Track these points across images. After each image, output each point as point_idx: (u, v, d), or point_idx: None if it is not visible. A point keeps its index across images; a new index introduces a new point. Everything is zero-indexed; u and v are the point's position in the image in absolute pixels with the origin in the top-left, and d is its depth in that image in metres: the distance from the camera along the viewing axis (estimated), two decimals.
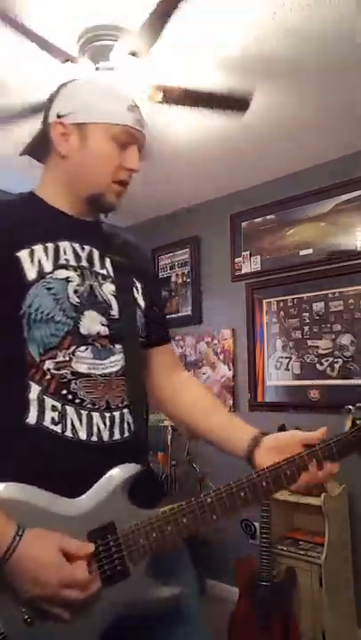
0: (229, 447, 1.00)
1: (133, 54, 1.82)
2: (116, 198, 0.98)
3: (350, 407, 0.98)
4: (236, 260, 3.27)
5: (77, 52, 1.88)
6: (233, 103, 2.02)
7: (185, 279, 3.57)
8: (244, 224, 3.26)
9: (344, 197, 2.78)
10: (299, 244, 2.96)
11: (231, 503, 0.86)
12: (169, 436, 3.04)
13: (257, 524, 2.73)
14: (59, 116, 0.94)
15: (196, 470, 3.00)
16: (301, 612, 2.26)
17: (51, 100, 0.97)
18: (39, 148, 1.00)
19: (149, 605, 0.83)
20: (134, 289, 1.01)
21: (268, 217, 3.13)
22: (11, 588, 0.75)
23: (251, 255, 3.20)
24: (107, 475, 0.83)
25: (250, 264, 3.19)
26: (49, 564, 0.74)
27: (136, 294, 1.01)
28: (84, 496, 0.82)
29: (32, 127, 2.10)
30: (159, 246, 3.65)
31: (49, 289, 0.87)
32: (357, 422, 0.96)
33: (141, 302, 1.01)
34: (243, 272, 3.22)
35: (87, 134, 0.93)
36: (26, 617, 0.76)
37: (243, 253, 3.24)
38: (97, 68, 1.88)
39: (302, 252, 2.94)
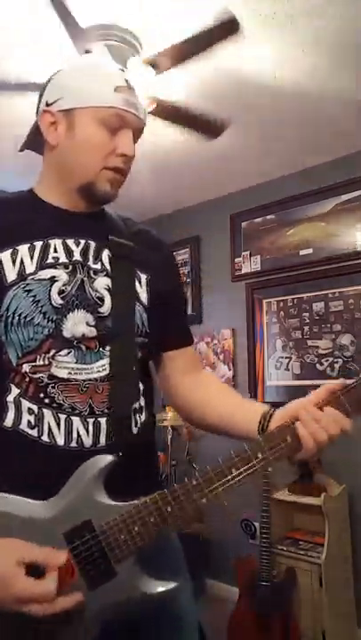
0: (243, 431, 0.91)
1: (153, 66, 1.85)
2: (110, 187, 0.91)
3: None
4: (236, 259, 3.27)
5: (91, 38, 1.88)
6: (210, 129, 2.15)
7: (185, 279, 3.57)
8: (244, 224, 3.26)
9: (344, 197, 2.78)
10: (299, 244, 2.96)
11: (222, 483, 0.79)
12: (169, 436, 3.04)
13: (257, 524, 2.73)
14: (47, 105, 0.90)
15: (196, 470, 3.00)
16: (301, 612, 2.26)
17: (42, 89, 0.93)
18: (36, 141, 0.95)
19: (141, 604, 0.78)
20: (136, 281, 0.94)
21: (268, 217, 3.13)
22: None
23: (251, 255, 3.20)
24: (78, 470, 0.78)
25: (250, 264, 3.19)
26: (1, 579, 0.69)
27: (138, 287, 0.93)
28: (56, 496, 0.77)
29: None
30: None
31: (28, 291, 0.84)
32: None
33: (144, 296, 0.94)
34: (243, 272, 3.22)
35: (74, 120, 0.88)
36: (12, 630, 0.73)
37: (243, 253, 3.24)
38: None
39: (302, 252, 2.94)
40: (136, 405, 0.91)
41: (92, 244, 0.92)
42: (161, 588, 0.78)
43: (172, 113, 2.11)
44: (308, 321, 2.88)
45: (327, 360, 2.77)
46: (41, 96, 0.93)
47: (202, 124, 2.11)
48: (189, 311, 3.47)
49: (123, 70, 0.92)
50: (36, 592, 0.69)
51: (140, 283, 0.94)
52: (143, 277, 0.95)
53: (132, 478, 0.85)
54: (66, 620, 0.73)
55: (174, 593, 0.79)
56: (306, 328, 2.89)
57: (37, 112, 0.93)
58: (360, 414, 0.85)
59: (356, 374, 2.64)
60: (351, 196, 2.76)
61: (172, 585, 0.78)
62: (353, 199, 2.75)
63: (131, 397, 0.89)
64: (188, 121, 2.09)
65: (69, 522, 0.76)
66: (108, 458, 0.79)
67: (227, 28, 1.70)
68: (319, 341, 2.82)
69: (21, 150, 0.99)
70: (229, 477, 0.79)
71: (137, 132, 0.92)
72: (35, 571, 0.71)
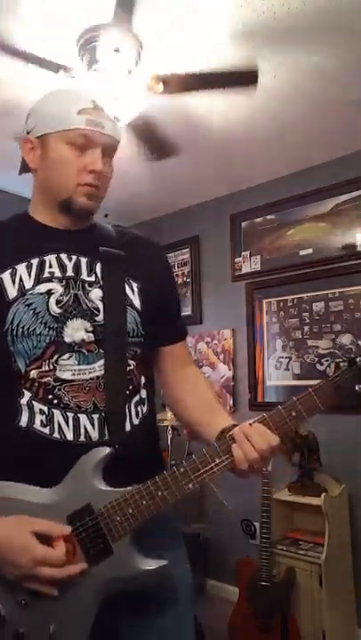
0: (209, 439, 0.99)
1: (116, 50, 1.82)
2: (87, 200, 0.99)
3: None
4: (236, 260, 3.27)
5: (78, 57, 1.89)
6: (241, 78, 1.92)
7: (185, 279, 3.57)
8: (244, 224, 3.26)
9: (344, 197, 2.78)
10: (299, 244, 2.96)
11: (207, 470, 0.89)
12: (169, 436, 3.03)
13: (257, 524, 2.74)
14: (27, 133, 1.00)
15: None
16: (301, 612, 2.26)
17: (26, 119, 1.02)
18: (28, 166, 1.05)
19: (138, 580, 0.87)
20: (129, 290, 1.01)
21: (268, 217, 3.13)
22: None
23: (251, 255, 3.20)
24: (79, 461, 0.88)
25: (250, 264, 3.19)
26: (19, 545, 0.82)
27: (131, 295, 1.01)
28: (60, 484, 0.88)
29: None
30: None
31: (28, 305, 0.93)
32: (341, 366, 0.96)
33: (137, 302, 1.01)
34: (243, 272, 3.22)
35: (47, 144, 0.97)
36: (20, 599, 0.84)
37: (243, 253, 3.24)
38: (94, 69, 1.88)
39: (302, 252, 2.94)
40: (137, 398, 0.99)
41: (84, 259, 1.00)
42: (154, 565, 0.86)
43: (185, 82, 1.96)
44: (308, 321, 2.88)
45: (327, 360, 2.77)
46: (25, 126, 1.02)
47: (228, 78, 1.90)
48: (189, 311, 3.48)
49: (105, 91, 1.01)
50: (49, 555, 0.82)
51: (132, 290, 1.02)
52: (135, 285, 1.03)
53: (134, 466, 0.92)
54: (70, 590, 0.84)
55: (169, 568, 0.87)
56: (306, 328, 2.89)
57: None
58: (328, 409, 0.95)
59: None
60: (351, 196, 2.76)
61: (163, 562, 0.87)
62: (353, 199, 2.75)
63: (125, 393, 0.96)
64: (209, 82, 1.90)
65: (72, 506, 0.87)
66: (106, 449, 0.89)
67: (246, 78, 1.69)
68: (319, 341, 2.82)
69: (20, 174, 1.10)
70: (212, 465, 0.89)
71: (108, 148, 0.99)
72: (43, 541, 0.83)
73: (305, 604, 2.26)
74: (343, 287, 2.75)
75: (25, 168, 1.04)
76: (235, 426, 0.95)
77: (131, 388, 0.98)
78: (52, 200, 1.00)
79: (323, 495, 2.30)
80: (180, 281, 3.58)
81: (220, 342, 3.30)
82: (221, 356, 3.28)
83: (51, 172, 0.98)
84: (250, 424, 0.91)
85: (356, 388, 0.95)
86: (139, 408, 0.99)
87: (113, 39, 1.81)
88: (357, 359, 0.95)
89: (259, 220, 3.17)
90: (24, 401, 0.92)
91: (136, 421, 0.97)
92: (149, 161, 2.29)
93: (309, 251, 2.91)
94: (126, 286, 1.01)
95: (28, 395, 0.92)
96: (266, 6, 1.71)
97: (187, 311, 3.50)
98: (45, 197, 1.01)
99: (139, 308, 1.01)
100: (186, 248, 3.56)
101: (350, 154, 2.77)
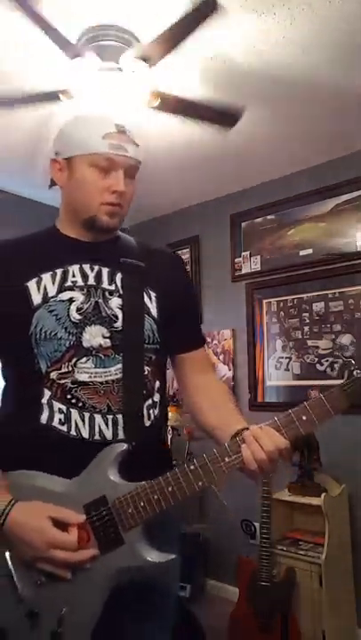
0: (222, 442, 1.01)
1: (145, 60, 1.85)
2: (109, 218, 1.06)
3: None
4: (236, 260, 3.27)
5: (80, 44, 1.87)
6: (223, 118, 2.08)
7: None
8: (244, 224, 3.26)
9: (344, 197, 2.78)
10: (299, 244, 2.96)
11: (216, 468, 0.93)
12: (169, 436, 3.04)
13: (257, 524, 2.74)
14: (56, 154, 1.08)
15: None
16: (301, 612, 2.26)
17: (54, 141, 1.11)
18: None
19: (145, 571, 0.92)
20: (147, 299, 1.08)
21: (268, 217, 3.13)
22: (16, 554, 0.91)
23: (251, 255, 3.20)
24: (97, 456, 0.96)
25: (250, 264, 3.19)
26: (35, 527, 0.90)
27: (149, 304, 1.08)
28: (79, 476, 0.95)
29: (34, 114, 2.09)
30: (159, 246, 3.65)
31: (51, 311, 1.01)
32: (355, 373, 0.96)
33: (154, 311, 1.08)
34: (243, 272, 3.22)
35: (73, 166, 1.05)
36: (37, 579, 0.92)
37: (243, 253, 3.24)
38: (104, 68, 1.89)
39: (302, 252, 2.94)
40: (150, 402, 1.06)
41: (105, 270, 1.08)
42: (162, 558, 0.92)
43: (179, 106, 2.07)
44: (308, 321, 2.88)
45: (327, 360, 2.77)
46: (52, 147, 1.11)
47: (214, 115, 2.01)
48: None
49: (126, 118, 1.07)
50: (62, 539, 0.90)
51: (150, 299, 1.09)
52: (153, 295, 1.10)
53: (146, 463, 0.99)
54: (83, 574, 0.91)
55: (177, 562, 0.95)
56: (306, 328, 2.89)
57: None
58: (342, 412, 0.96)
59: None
60: (351, 196, 2.76)
61: (171, 556, 0.93)
62: (353, 199, 2.75)
63: (140, 397, 1.04)
64: (198, 112, 2.01)
65: (89, 496, 0.94)
66: (123, 446, 0.96)
67: (206, 8, 1.70)
68: (319, 341, 2.82)
69: (50, 187, 1.16)
70: (222, 464, 0.93)
71: (130, 170, 1.07)
72: (58, 526, 0.90)
73: (305, 604, 2.26)
74: (343, 287, 2.75)
75: (54, 183, 1.13)
76: (247, 429, 0.98)
77: (145, 391, 1.05)
78: (77, 216, 1.08)
79: (323, 495, 2.30)
80: None
81: (220, 342, 3.30)
82: (221, 357, 3.29)
83: (76, 191, 1.06)
84: (261, 427, 0.95)
85: None
86: (151, 411, 1.06)
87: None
88: None
89: (259, 220, 3.17)
90: (45, 400, 0.99)
91: (148, 423, 1.04)
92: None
93: (309, 251, 2.91)
94: (145, 295, 1.08)
95: (48, 394, 0.99)
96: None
97: None
98: (71, 213, 1.10)
99: (156, 316, 1.08)
100: (186, 248, 3.56)
101: (350, 154, 2.77)
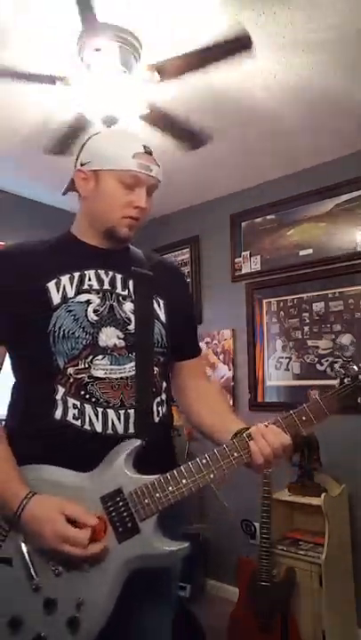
0: (223, 442, 1.08)
1: (97, 50, 1.84)
2: (128, 230, 1.13)
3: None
4: (236, 260, 3.27)
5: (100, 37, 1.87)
6: (234, 47, 1.86)
7: (185, 279, 3.56)
8: (244, 224, 3.26)
9: (344, 197, 2.78)
10: (299, 244, 2.96)
11: (226, 463, 1.01)
12: None
13: (257, 524, 2.74)
14: (82, 164, 1.13)
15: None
16: (301, 612, 2.26)
17: (80, 149, 1.16)
18: (74, 189, 1.18)
19: (160, 559, 0.98)
20: (156, 306, 1.16)
21: (268, 217, 3.13)
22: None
23: (251, 255, 3.20)
24: (113, 450, 1.00)
25: (250, 264, 3.19)
26: (47, 520, 0.93)
27: (158, 310, 1.16)
28: (96, 469, 1.00)
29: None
30: (159, 246, 3.65)
31: (70, 311, 1.07)
32: (345, 381, 1.10)
33: (162, 317, 1.16)
34: (243, 272, 3.22)
35: (100, 179, 1.11)
36: (54, 568, 0.95)
37: (243, 253, 3.24)
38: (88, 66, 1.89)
39: (302, 252, 2.94)
40: (158, 399, 1.12)
41: (119, 276, 1.15)
42: (176, 546, 0.97)
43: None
44: (308, 321, 2.88)
45: (327, 360, 2.77)
46: (77, 155, 1.16)
47: (222, 48, 1.89)
48: None
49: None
50: (71, 534, 0.92)
51: (159, 306, 1.17)
52: (161, 302, 1.18)
53: (154, 457, 1.04)
54: (100, 563, 0.94)
55: (189, 551, 0.98)
56: (306, 328, 2.89)
57: (75, 167, 1.17)
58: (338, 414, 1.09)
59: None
60: (351, 196, 2.76)
61: (185, 544, 0.98)
62: (353, 199, 2.75)
63: (151, 393, 1.10)
64: (204, 58, 1.93)
65: (105, 489, 0.98)
66: (137, 441, 1.02)
67: (239, 44, 1.71)
68: (319, 341, 2.82)
69: (64, 193, 1.22)
70: (231, 458, 1.02)
71: (150, 188, 1.13)
72: (72, 524, 0.93)
73: (305, 604, 2.26)
74: (343, 287, 2.75)
75: (70, 189, 1.19)
76: (247, 428, 1.07)
77: (154, 390, 1.11)
78: (96, 225, 1.15)
79: (323, 495, 2.30)
80: None
81: (220, 342, 3.30)
82: (221, 357, 3.28)
83: (100, 202, 1.12)
84: (266, 425, 1.04)
85: (359, 400, 1.09)
86: (160, 408, 1.12)
87: (91, 40, 1.82)
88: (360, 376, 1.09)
89: (259, 220, 3.17)
90: (59, 396, 1.04)
91: (157, 419, 1.10)
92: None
93: (309, 251, 2.91)
94: (154, 302, 1.16)
95: (62, 390, 1.04)
96: None
97: None
98: (91, 222, 1.16)
99: (165, 321, 1.16)
100: (186, 248, 3.56)
101: (350, 154, 2.77)
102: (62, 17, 1.74)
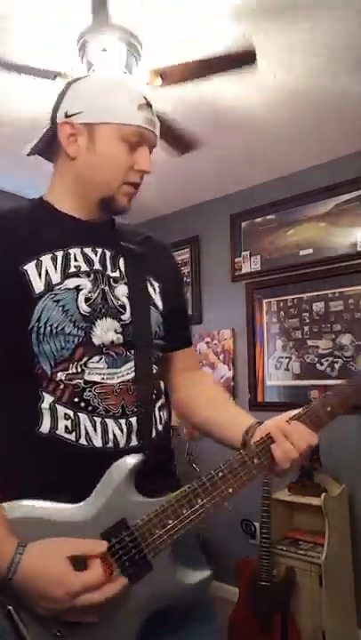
0: (228, 438, 0.96)
1: (104, 50, 1.82)
2: (127, 201, 0.94)
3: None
4: (236, 260, 3.27)
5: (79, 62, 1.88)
6: (239, 60, 1.86)
7: (185, 279, 3.57)
8: (244, 224, 3.26)
9: (344, 197, 2.78)
10: (299, 244, 2.96)
11: (246, 473, 0.84)
12: None
13: (257, 524, 2.74)
14: (67, 116, 0.90)
15: (196, 470, 3.00)
16: (301, 612, 2.26)
17: (60, 97, 0.92)
18: (48, 148, 0.96)
19: (180, 594, 0.81)
20: (151, 289, 0.97)
21: (268, 217, 3.13)
22: (29, 605, 0.73)
23: (251, 255, 3.20)
24: (108, 471, 0.80)
25: (250, 264, 3.19)
26: (55, 577, 0.72)
27: (153, 294, 0.97)
28: (90, 498, 0.79)
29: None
30: None
31: (57, 301, 0.85)
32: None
33: (159, 303, 0.97)
34: (243, 272, 3.22)
35: (96, 135, 0.89)
36: (55, 631, 0.75)
37: (243, 253, 3.24)
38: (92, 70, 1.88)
39: (302, 252, 2.94)
40: (160, 403, 0.95)
41: (108, 253, 0.94)
42: (199, 576, 0.81)
43: (183, 72, 1.96)
44: (308, 321, 2.88)
45: (327, 360, 2.77)
46: (58, 103, 0.92)
47: (226, 60, 1.89)
48: (189, 311, 3.47)
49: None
50: (86, 582, 0.72)
51: (154, 290, 0.97)
52: (156, 285, 0.98)
53: (156, 473, 0.86)
54: (110, 612, 0.75)
55: (211, 579, 0.82)
56: (306, 328, 2.89)
57: (52, 119, 0.93)
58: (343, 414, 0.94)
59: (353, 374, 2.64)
60: (351, 196, 2.76)
61: (207, 572, 0.82)
62: (353, 199, 2.75)
63: (152, 398, 0.91)
64: (207, 67, 1.92)
65: (106, 522, 0.78)
66: (137, 457, 0.81)
67: (244, 58, 1.70)
68: (319, 341, 2.82)
69: (29, 154, 0.96)
70: (251, 467, 0.84)
71: (152, 148, 0.94)
72: (78, 564, 0.74)
73: (305, 604, 2.26)
74: (343, 287, 2.75)
75: (41, 151, 0.95)
76: (259, 423, 0.92)
77: (155, 392, 0.93)
78: (87, 192, 0.93)
79: (323, 495, 2.30)
80: None
81: (220, 342, 3.30)
82: (221, 356, 3.28)
83: (96, 165, 0.90)
84: (287, 421, 0.88)
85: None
86: (162, 413, 0.94)
87: (99, 39, 1.81)
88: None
89: (259, 219, 3.17)
90: (45, 405, 0.83)
91: (160, 427, 0.92)
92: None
93: (309, 251, 2.91)
94: (148, 285, 0.97)
95: (49, 398, 0.83)
96: None
97: None
98: (78, 188, 0.93)
99: (160, 307, 0.97)
100: (186, 248, 3.56)
101: (350, 154, 2.77)
102: (62, 17, 1.74)
